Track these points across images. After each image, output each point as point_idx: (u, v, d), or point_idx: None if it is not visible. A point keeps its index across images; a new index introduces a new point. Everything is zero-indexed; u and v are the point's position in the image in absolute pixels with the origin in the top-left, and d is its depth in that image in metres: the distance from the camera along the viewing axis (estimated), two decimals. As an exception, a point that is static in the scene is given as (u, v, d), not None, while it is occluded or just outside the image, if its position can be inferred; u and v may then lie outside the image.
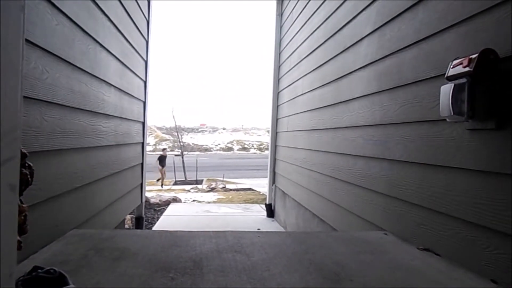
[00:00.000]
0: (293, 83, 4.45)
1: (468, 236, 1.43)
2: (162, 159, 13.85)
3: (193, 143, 22.41)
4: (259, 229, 4.52)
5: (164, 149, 15.35)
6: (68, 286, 1.02)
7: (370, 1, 2.36)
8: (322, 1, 3.41)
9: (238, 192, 9.68)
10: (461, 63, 1.34)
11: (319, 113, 3.37)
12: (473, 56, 1.29)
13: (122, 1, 3.00)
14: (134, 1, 3.53)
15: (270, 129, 5.73)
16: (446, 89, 1.40)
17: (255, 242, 1.74)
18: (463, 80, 1.33)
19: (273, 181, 5.58)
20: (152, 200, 7.16)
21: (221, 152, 30.53)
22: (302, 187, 3.86)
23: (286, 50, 5.07)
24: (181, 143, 16.13)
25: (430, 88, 1.66)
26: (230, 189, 10.27)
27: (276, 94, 5.54)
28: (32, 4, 1.52)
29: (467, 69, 1.30)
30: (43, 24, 1.62)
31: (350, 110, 2.64)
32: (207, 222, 5.48)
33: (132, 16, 3.35)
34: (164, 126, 25.88)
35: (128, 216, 4.59)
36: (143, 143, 4.10)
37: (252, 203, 7.57)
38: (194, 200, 8.27)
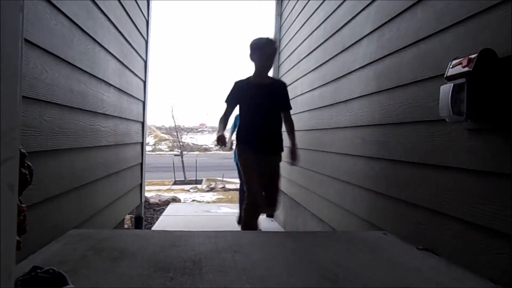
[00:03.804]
0: (293, 83, 4.45)
1: (467, 236, 1.43)
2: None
3: (192, 143, 22.34)
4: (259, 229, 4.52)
5: None
6: (67, 286, 1.02)
7: (369, 1, 2.36)
8: (321, 1, 3.41)
9: (238, 192, 9.67)
10: (460, 63, 1.34)
11: (319, 113, 3.37)
12: (473, 56, 1.29)
13: (122, 1, 2.99)
14: (134, 1, 3.53)
15: (269, 129, 5.67)
16: (446, 89, 1.40)
17: (254, 242, 1.74)
18: (462, 80, 1.33)
19: (272, 181, 5.56)
20: (151, 200, 7.15)
21: (221, 152, 30.51)
22: (301, 187, 3.86)
23: (285, 50, 5.07)
24: (181, 143, 16.10)
25: (429, 88, 1.66)
26: (230, 189, 10.26)
27: (276, 94, 5.52)
28: (31, 4, 1.52)
29: (466, 69, 1.30)
30: (42, 23, 1.62)
31: (350, 110, 2.64)
32: (206, 222, 5.48)
33: (131, 16, 3.35)
34: (163, 126, 25.83)
35: (128, 216, 4.59)
36: (142, 143, 4.10)
37: (252, 203, 7.56)
38: (193, 200, 8.27)
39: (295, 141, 2.76)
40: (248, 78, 2.77)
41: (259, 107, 2.68)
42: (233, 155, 4.60)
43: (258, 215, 2.73)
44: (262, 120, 2.66)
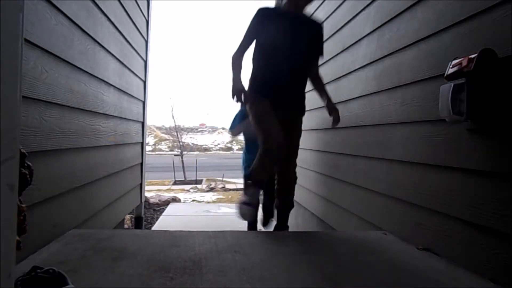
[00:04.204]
0: (293, 83, 4.45)
1: (467, 236, 1.43)
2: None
3: (192, 143, 22.32)
4: (259, 229, 4.52)
5: None
6: (67, 286, 1.02)
7: (369, 1, 2.36)
8: (321, 1, 3.41)
9: (238, 192, 9.67)
10: (460, 63, 1.34)
11: (319, 113, 3.37)
12: (472, 56, 1.29)
13: (122, 1, 2.99)
14: (134, 1, 3.53)
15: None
16: (445, 89, 1.40)
17: (254, 242, 1.74)
18: (462, 80, 1.33)
19: (272, 181, 5.56)
20: (151, 200, 7.15)
21: (221, 152, 30.53)
22: (301, 187, 3.86)
23: (285, 50, 5.06)
24: (181, 143, 16.10)
25: (430, 88, 1.66)
26: (230, 189, 10.27)
27: (276, 94, 5.51)
28: (31, 4, 1.52)
29: (466, 69, 1.30)
30: (42, 24, 1.62)
31: (350, 110, 2.64)
32: (206, 222, 5.48)
33: (131, 15, 3.35)
34: (163, 126, 25.80)
35: (128, 216, 4.58)
36: (142, 143, 4.09)
37: (252, 203, 7.55)
38: (193, 200, 8.27)
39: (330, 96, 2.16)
40: (277, 8, 2.12)
41: (289, 47, 1.99)
42: (241, 156, 3.54)
43: (272, 168, 2.05)
44: (290, 66, 2.00)
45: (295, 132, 2.16)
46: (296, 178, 2.26)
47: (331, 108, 2.12)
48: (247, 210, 1.97)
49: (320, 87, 2.22)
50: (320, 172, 3.24)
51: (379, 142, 2.18)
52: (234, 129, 3.34)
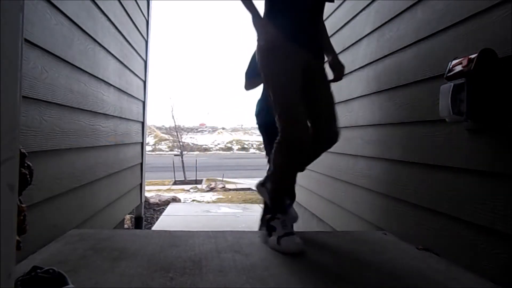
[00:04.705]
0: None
1: (468, 236, 1.43)
2: None
3: (192, 143, 22.35)
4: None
5: None
6: (68, 286, 1.02)
7: (369, 1, 2.36)
8: (321, 1, 3.41)
9: (238, 192, 9.67)
10: (460, 63, 1.34)
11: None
12: (473, 56, 1.29)
13: (122, 1, 2.99)
14: (134, 1, 3.53)
15: (269, 129, 5.65)
16: (446, 89, 1.41)
17: (254, 242, 1.74)
18: (462, 80, 1.33)
19: (272, 181, 5.55)
20: (151, 200, 7.14)
21: (221, 152, 30.54)
22: (301, 187, 3.86)
23: (285, 50, 5.05)
24: (181, 143, 16.11)
25: (430, 88, 1.66)
26: (230, 189, 10.27)
27: (276, 94, 5.51)
28: (31, 4, 1.52)
29: (466, 69, 1.30)
30: (42, 23, 1.62)
31: (350, 110, 2.64)
32: (206, 222, 5.48)
33: (131, 16, 3.35)
34: (163, 126, 25.80)
35: (128, 216, 4.58)
36: (142, 143, 4.10)
37: (252, 203, 7.56)
38: (193, 200, 8.26)
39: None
40: None
41: None
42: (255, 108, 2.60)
43: (300, 158, 1.63)
44: (310, 8, 1.76)
45: (327, 79, 1.84)
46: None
47: (336, 63, 1.90)
48: (289, 240, 1.55)
49: (324, 37, 1.97)
50: (320, 172, 3.24)
51: (379, 142, 2.18)
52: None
